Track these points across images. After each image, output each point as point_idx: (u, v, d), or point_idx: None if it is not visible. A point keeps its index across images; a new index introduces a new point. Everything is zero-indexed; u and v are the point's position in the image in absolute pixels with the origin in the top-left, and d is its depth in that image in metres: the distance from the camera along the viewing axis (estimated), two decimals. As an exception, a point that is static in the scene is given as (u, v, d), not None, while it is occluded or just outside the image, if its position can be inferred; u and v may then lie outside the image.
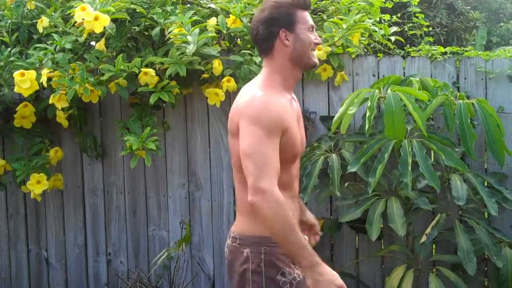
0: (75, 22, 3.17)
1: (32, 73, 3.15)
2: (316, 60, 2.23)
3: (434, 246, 3.46)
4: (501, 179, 3.33)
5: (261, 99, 2.08)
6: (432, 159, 3.18)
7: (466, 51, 3.55)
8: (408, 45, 3.82)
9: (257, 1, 3.44)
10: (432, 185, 2.93)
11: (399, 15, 4.02)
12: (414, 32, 4.11)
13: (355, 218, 3.15)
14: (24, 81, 3.13)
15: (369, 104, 2.98)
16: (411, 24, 4.08)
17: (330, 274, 1.99)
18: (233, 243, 2.18)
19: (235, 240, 2.18)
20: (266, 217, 1.97)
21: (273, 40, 2.16)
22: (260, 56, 2.26)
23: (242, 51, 3.41)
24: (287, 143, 2.11)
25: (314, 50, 2.22)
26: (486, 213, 3.35)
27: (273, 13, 2.14)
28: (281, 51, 2.16)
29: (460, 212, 3.34)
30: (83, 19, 3.09)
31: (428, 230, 3.08)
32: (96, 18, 3.09)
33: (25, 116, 3.48)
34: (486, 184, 3.20)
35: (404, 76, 3.43)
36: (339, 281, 1.99)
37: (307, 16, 2.19)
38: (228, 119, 2.19)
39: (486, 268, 3.41)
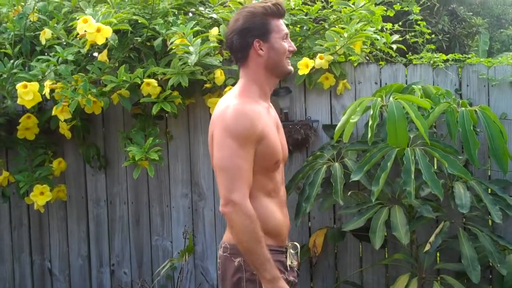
0: (78, 33, 3.18)
1: (34, 85, 3.15)
2: (291, 68, 2.25)
3: (438, 254, 3.44)
4: (504, 186, 3.32)
5: (234, 108, 2.09)
6: (435, 167, 3.17)
7: (468, 58, 3.55)
8: (410, 53, 3.82)
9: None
10: (436, 193, 2.91)
11: (400, 23, 4.03)
12: (416, 40, 4.11)
13: (358, 227, 3.14)
14: (27, 93, 3.14)
15: (371, 113, 2.97)
16: (413, 33, 4.09)
17: None
18: (224, 253, 2.19)
19: (226, 249, 2.19)
20: (235, 228, 2.03)
21: (247, 50, 2.17)
22: (236, 64, 2.27)
23: (244, 61, 3.41)
24: (267, 151, 2.13)
25: (289, 57, 2.23)
26: (490, 221, 3.33)
27: (248, 23, 2.16)
28: (256, 60, 2.18)
29: (464, 219, 3.33)
30: (85, 31, 3.11)
31: (431, 239, 3.06)
32: (98, 30, 3.10)
33: (28, 127, 3.49)
34: (489, 192, 3.19)
35: (406, 83, 3.43)
36: None
37: (281, 24, 2.20)
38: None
39: (490, 276, 3.39)
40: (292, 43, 2.24)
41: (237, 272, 2.14)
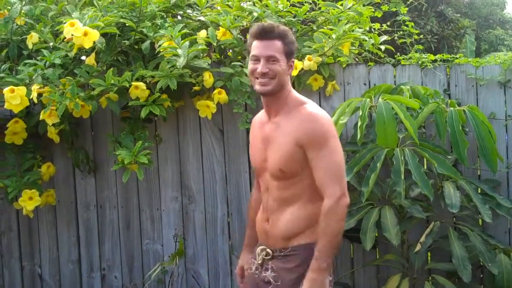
0: (65, 37, 3.16)
1: (22, 89, 3.13)
2: (257, 87, 2.30)
3: (429, 254, 3.45)
4: (494, 186, 3.33)
5: None
6: (425, 167, 3.18)
7: (456, 58, 3.56)
8: (398, 53, 3.83)
9: (246, 13, 3.44)
10: (425, 193, 2.92)
11: (388, 23, 4.03)
12: (404, 40, 4.12)
13: (349, 228, 3.14)
14: (14, 98, 3.11)
15: (360, 113, 2.98)
16: (401, 32, 4.10)
17: None
18: None
19: None
20: None
21: None
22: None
23: (232, 63, 3.41)
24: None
25: (257, 78, 2.28)
26: (480, 220, 3.34)
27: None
28: None
29: (454, 219, 3.34)
30: (72, 34, 3.09)
31: (422, 239, 3.07)
32: (85, 34, 3.09)
33: (16, 132, 3.46)
34: (479, 191, 3.19)
35: (395, 84, 3.44)
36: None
37: (255, 46, 2.28)
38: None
39: (481, 275, 3.40)
40: (264, 66, 2.25)
41: None
